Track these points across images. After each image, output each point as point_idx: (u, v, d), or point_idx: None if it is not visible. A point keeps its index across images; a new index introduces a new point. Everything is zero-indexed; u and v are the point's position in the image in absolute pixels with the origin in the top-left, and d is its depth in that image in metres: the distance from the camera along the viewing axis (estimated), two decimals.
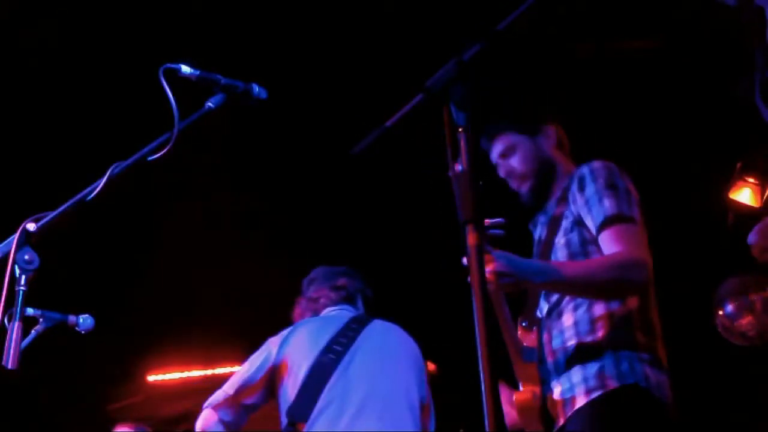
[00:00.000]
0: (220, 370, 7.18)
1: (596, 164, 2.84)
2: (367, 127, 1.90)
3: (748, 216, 5.48)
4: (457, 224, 1.76)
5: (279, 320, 6.81)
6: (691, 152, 5.67)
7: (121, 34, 4.99)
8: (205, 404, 3.56)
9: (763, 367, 5.83)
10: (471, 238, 1.73)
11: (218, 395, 3.54)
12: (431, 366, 7.72)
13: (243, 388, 3.51)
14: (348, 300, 3.85)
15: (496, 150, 3.05)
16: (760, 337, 5.86)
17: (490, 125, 3.07)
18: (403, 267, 6.57)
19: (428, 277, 6.51)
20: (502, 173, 3.06)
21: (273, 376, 3.51)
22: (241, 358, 7.00)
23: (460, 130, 1.80)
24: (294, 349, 3.54)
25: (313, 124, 5.67)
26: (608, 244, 2.67)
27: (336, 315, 3.75)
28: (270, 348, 3.61)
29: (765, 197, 5.71)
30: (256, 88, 2.30)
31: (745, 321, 5.89)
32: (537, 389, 2.79)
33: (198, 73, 2.21)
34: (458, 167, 1.76)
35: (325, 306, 3.83)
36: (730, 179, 5.77)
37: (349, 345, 3.53)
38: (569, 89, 5.37)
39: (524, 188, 3.01)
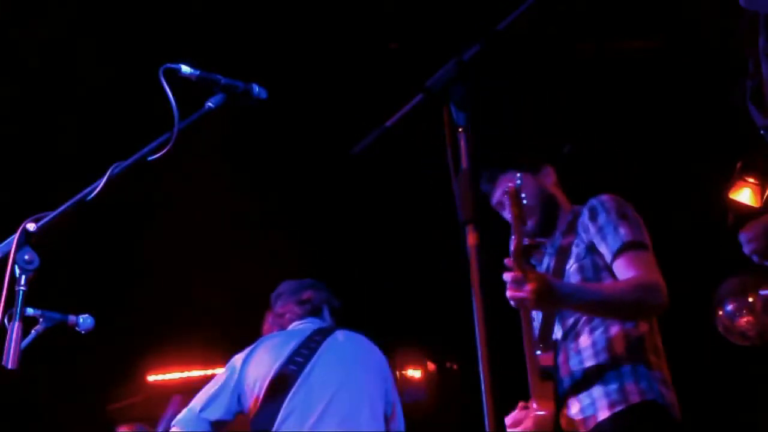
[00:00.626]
0: (220, 370, 7.17)
1: (605, 197, 3.01)
2: (367, 127, 1.90)
3: (748, 216, 5.47)
4: (458, 224, 1.76)
5: None
6: (691, 152, 5.67)
7: (121, 34, 4.98)
8: (173, 423, 3.58)
9: (763, 367, 5.83)
10: (471, 238, 1.73)
11: (185, 414, 3.57)
12: (431, 366, 7.72)
13: (209, 405, 3.54)
14: (313, 313, 3.89)
15: (501, 188, 3.13)
16: (760, 337, 5.86)
17: (491, 168, 3.18)
18: (403, 267, 6.57)
19: (428, 277, 6.51)
20: (507, 210, 3.11)
21: (238, 392, 3.54)
22: None
23: (460, 130, 1.81)
24: (257, 364, 3.59)
25: (313, 124, 5.67)
26: (625, 268, 2.83)
27: (301, 328, 3.79)
28: (234, 364, 3.66)
29: (765, 197, 5.71)
30: (256, 88, 2.29)
31: (745, 321, 5.89)
32: (543, 407, 2.86)
33: (198, 73, 2.21)
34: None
35: (291, 321, 3.87)
36: (730, 179, 5.77)
37: (311, 355, 3.57)
38: (569, 89, 5.37)
39: (530, 223, 3.08)
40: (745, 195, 5.76)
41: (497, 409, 1.64)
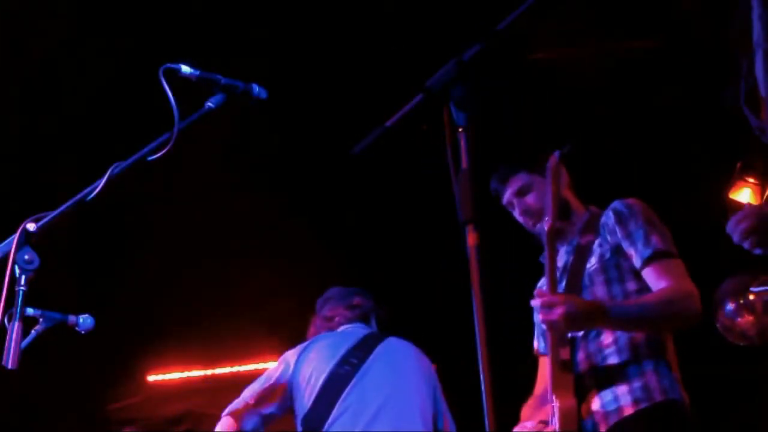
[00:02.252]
0: (219, 370, 7.18)
1: (632, 201, 3.03)
2: (367, 127, 1.90)
3: None
4: (458, 224, 1.76)
5: (279, 320, 6.81)
6: (691, 152, 5.67)
7: (121, 34, 4.98)
8: (225, 411, 3.63)
9: (763, 367, 5.83)
10: (471, 238, 1.73)
11: (237, 403, 3.63)
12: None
13: (262, 398, 3.58)
14: (362, 318, 3.97)
15: (511, 189, 3.16)
16: (760, 337, 5.86)
17: (502, 168, 3.19)
18: (403, 266, 6.57)
19: (428, 277, 6.51)
20: (518, 212, 3.17)
21: (291, 387, 3.61)
22: (241, 359, 7.02)
23: (460, 130, 1.81)
24: (311, 361, 3.66)
25: (312, 124, 5.67)
26: (657, 278, 2.88)
27: (351, 331, 3.87)
28: (288, 360, 3.73)
29: (765, 197, 5.71)
30: (256, 88, 2.30)
31: (745, 321, 5.89)
32: (573, 398, 2.89)
33: (198, 73, 2.21)
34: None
35: (340, 324, 3.94)
36: (730, 179, 5.76)
37: (365, 358, 3.66)
38: (569, 89, 5.37)
39: (539, 227, 3.08)
40: (745, 195, 5.75)
41: (497, 409, 1.64)
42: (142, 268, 6.25)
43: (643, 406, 2.79)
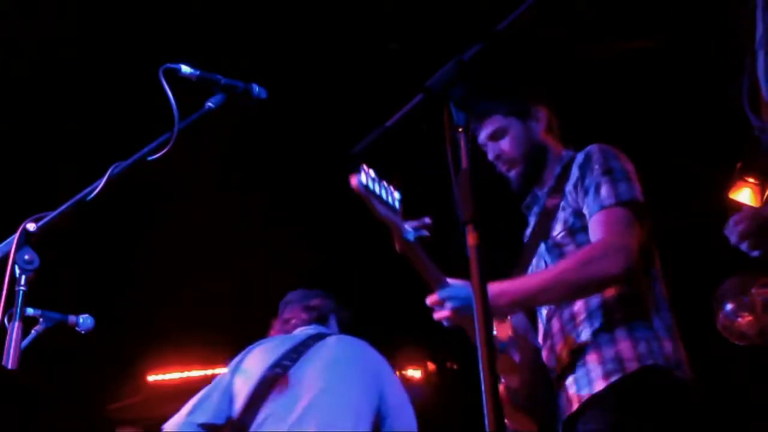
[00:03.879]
0: (219, 370, 7.17)
1: (592, 149, 2.81)
2: (367, 127, 1.90)
3: None
4: (458, 224, 1.76)
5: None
6: (692, 152, 5.67)
7: (121, 33, 4.98)
8: (163, 426, 3.58)
9: (763, 367, 5.83)
10: (471, 238, 1.73)
11: (174, 418, 3.57)
12: (431, 366, 7.73)
13: (196, 409, 3.53)
14: (320, 320, 3.86)
15: (485, 131, 2.98)
16: (759, 337, 5.86)
17: (479, 105, 2.99)
18: (403, 267, 6.56)
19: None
20: (490, 155, 3.00)
21: (229, 395, 3.52)
22: None
23: (460, 130, 1.81)
24: (247, 367, 3.58)
25: (312, 124, 5.67)
26: (592, 231, 2.65)
27: (298, 333, 3.77)
28: (228, 368, 3.65)
29: (765, 197, 5.71)
30: (255, 88, 2.30)
31: (745, 321, 5.89)
32: (513, 381, 2.76)
33: (198, 73, 2.22)
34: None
35: (296, 326, 3.84)
36: (730, 179, 5.76)
37: (298, 359, 3.53)
38: (569, 89, 5.37)
39: (513, 173, 2.96)
40: (745, 195, 5.75)
41: (497, 409, 1.64)
42: (142, 268, 6.25)
43: (614, 379, 2.54)
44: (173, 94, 2.11)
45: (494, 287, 2.48)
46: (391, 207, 2.44)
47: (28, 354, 2.29)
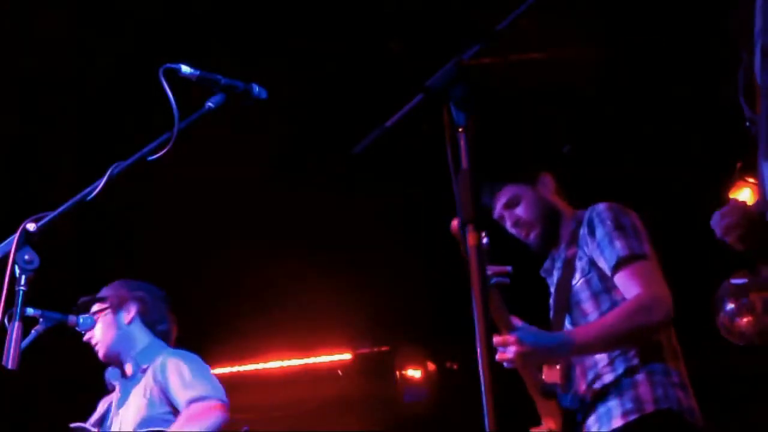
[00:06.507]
0: (219, 370, 7.18)
1: (601, 207, 2.99)
2: (367, 127, 1.89)
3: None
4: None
5: (279, 320, 6.81)
6: (691, 152, 5.67)
7: (121, 33, 4.98)
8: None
9: (763, 367, 5.83)
10: (471, 238, 1.73)
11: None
12: (431, 366, 7.72)
13: None
14: None
15: (500, 202, 3.17)
16: (759, 337, 5.85)
17: (490, 182, 3.19)
18: (403, 266, 6.57)
19: (429, 277, 6.51)
20: (508, 224, 3.17)
21: None
22: (240, 358, 7.01)
23: (460, 130, 1.81)
24: None
25: (312, 123, 5.67)
26: (625, 285, 2.83)
27: None
28: None
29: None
30: (255, 88, 2.30)
31: (745, 321, 5.88)
32: (554, 424, 2.92)
33: (198, 73, 2.22)
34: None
35: None
36: (730, 179, 5.76)
37: None
38: (569, 88, 5.37)
39: (533, 235, 3.13)
40: (745, 195, 5.75)
41: (497, 409, 1.64)
42: (142, 268, 6.24)
43: (631, 418, 2.77)
44: (173, 94, 2.11)
45: (560, 336, 2.80)
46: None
47: (28, 354, 2.29)
